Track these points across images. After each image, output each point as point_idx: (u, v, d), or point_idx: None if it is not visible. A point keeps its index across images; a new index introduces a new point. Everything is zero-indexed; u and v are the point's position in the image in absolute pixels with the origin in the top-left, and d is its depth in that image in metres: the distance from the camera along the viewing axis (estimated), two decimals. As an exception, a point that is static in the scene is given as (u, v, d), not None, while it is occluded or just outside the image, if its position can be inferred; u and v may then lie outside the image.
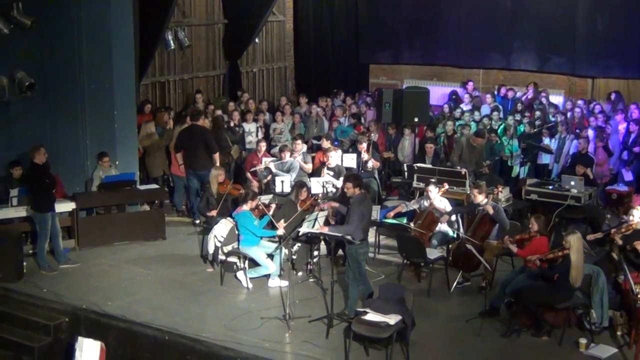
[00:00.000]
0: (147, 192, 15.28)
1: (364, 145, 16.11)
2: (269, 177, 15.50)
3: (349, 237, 11.08)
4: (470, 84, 21.32)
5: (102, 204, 14.75)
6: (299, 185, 13.61)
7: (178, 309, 11.80)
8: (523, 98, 19.92)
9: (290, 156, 15.59)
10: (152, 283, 12.87)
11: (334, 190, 14.66)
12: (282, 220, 12.79)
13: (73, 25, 14.81)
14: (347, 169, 15.48)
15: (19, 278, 12.86)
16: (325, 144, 15.82)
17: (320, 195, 14.29)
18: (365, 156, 15.97)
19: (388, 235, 14.06)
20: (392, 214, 13.69)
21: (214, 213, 13.72)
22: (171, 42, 19.80)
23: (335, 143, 16.71)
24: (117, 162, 15.12)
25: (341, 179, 14.70)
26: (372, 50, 23.79)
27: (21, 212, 13.71)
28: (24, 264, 13.13)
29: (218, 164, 15.24)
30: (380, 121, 18.03)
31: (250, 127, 18.22)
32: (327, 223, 12.48)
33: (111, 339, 11.38)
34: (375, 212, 13.31)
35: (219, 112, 18.39)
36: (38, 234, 13.28)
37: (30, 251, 13.71)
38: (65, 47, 14.89)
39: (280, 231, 12.54)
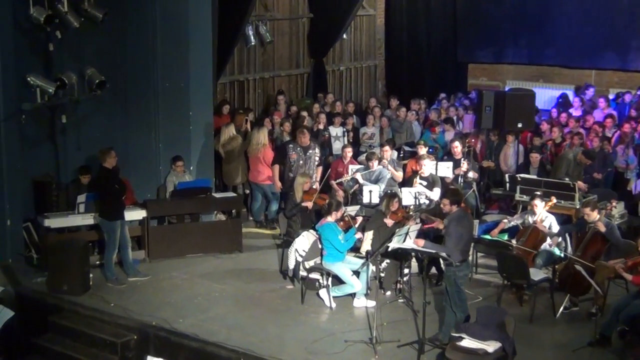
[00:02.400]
0: (224, 201, 15.42)
1: (458, 146, 15.95)
2: (356, 187, 15.46)
3: (444, 254, 10.97)
4: (591, 90, 20.80)
5: (174, 213, 14.93)
6: (390, 195, 13.55)
7: (254, 329, 11.83)
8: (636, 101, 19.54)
9: (379, 164, 15.54)
10: (227, 299, 12.94)
11: (427, 202, 14.57)
12: (369, 233, 12.76)
13: (147, 20, 15.08)
14: (442, 178, 15.36)
15: (85, 291, 13.05)
16: (422, 150, 15.70)
17: (412, 207, 14.22)
18: (464, 164, 15.76)
19: (487, 253, 13.90)
20: (496, 231, 13.53)
21: (309, 204, 13.90)
22: (252, 37, 19.96)
23: (430, 150, 16.60)
24: (191, 168, 15.30)
25: (435, 189, 14.71)
26: (471, 48, 23.62)
27: (88, 219, 13.93)
28: (91, 275, 13.31)
29: (276, 177, 15.53)
30: (480, 127, 17.85)
31: (337, 131, 18.24)
32: (420, 237, 12.40)
33: (182, 359, 11.46)
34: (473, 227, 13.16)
35: (304, 113, 18.48)
36: (106, 244, 13.47)
37: (97, 262, 13.94)
38: (138, 43, 15.16)
39: (362, 239, 12.51)
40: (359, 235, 12.84)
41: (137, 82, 15.24)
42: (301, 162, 15.39)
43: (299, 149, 15.46)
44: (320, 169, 15.53)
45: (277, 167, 15.65)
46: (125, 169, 14.47)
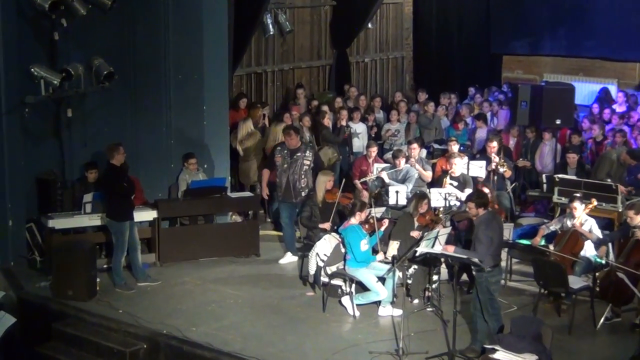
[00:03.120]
0: (240, 201, 15.47)
1: (495, 146, 15.92)
2: (381, 187, 15.47)
3: (476, 260, 10.95)
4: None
5: (187, 214, 14.97)
6: (419, 196, 13.58)
7: (273, 338, 11.86)
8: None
9: (406, 162, 15.54)
10: (243, 307, 12.97)
11: (458, 203, 14.57)
12: (394, 242, 12.79)
13: (159, 7, 15.12)
14: (474, 179, 15.35)
15: (91, 296, 13.09)
16: (453, 147, 15.69)
17: (441, 209, 14.24)
18: (495, 159, 15.72)
19: (522, 259, 13.91)
20: (537, 239, 13.47)
21: (326, 226, 13.84)
22: (270, 26, 20.01)
23: (461, 148, 16.58)
24: (205, 165, 15.33)
25: (467, 190, 14.72)
26: (506, 39, 23.56)
27: (95, 220, 13.99)
28: (97, 280, 13.36)
29: (264, 182, 15.08)
30: (515, 123, 17.82)
31: (358, 127, 18.28)
32: (450, 242, 12.40)
33: (195, 370, 11.51)
34: (508, 232, 13.16)
35: (325, 108, 18.48)
36: (114, 246, 13.52)
37: (105, 266, 13.99)
38: (149, 32, 15.21)
39: (392, 250, 12.53)
40: (380, 257, 12.84)
41: (147, 74, 15.29)
42: (285, 166, 14.60)
43: (285, 151, 14.65)
44: (309, 176, 14.68)
45: (266, 171, 15.07)
46: (134, 166, 14.55)
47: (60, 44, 14.42)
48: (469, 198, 11.50)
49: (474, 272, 11.43)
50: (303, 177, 14.56)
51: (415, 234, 13.08)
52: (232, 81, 18.11)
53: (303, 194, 14.40)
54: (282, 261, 14.59)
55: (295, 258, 14.48)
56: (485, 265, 10.98)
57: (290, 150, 14.59)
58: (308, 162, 14.62)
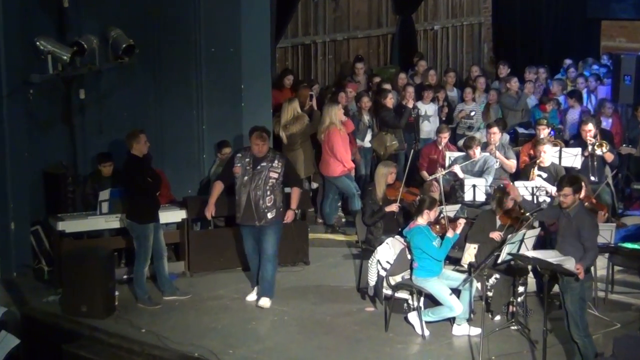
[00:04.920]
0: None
1: (591, 129, 15.76)
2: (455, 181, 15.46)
3: (569, 267, 10.83)
4: None
5: (222, 214, 14.90)
6: (503, 190, 13.50)
7: (325, 363, 11.88)
8: None
9: (485, 151, 15.49)
10: (289, 325, 12.98)
11: (548, 199, 14.51)
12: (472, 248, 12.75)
13: (188, -32, 15.19)
14: (567, 170, 15.23)
15: (109, 313, 13.12)
16: (542, 132, 15.57)
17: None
18: (592, 141, 15.57)
19: (627, 267, 13.84)
20: None
21: (395, 208, 13.83)
22: (321, -11, 20.06)
23: (551, 133, 16.46)
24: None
25: None
26: (605, 1, 23.36)
27: (113, 222, 14.06)
28: (116, 293, 13.40)
29: (213, 198, 13.97)
30: (617, 101, 17.66)
31: (426, 108, 18.25)
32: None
33: (231, 400, 11.58)
34: (609, 233, 13.06)
35: (387, 86, 18.36)
36: (136, 253, 13.53)
37: (125, 276, 14.07)
38: (176, -3, 15.28)
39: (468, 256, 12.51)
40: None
41: (174, 47, 15.39)
42: (246, 178, 13.32)
43: (247, 159, 13.36)
44: (277, 192, 13.48)
45: (218, 184, 13.70)
46: (159, 157, 14.67)
47: (71, 12, 14.52)
48: (561, 182, 11.37)
49: (563, 277, 11.30)
50: (269, 193, 13.40)
51: (496, 235, 12.97)
52: (276, 55, 18.09)
53: (269, 215, 13.41)
54: (249, 298, 13.79)
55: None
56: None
57: (254, 159, 13.42)
58: (275, 175, 13.45)
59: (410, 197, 14.19)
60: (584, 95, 19.21)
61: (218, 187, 13.65)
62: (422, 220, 12.69)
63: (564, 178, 11.66)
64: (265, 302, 13.36)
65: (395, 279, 12.88)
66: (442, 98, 18.63)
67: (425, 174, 15.94)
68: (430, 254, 12.46)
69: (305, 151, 16.74)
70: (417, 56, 21.34)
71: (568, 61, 21.13)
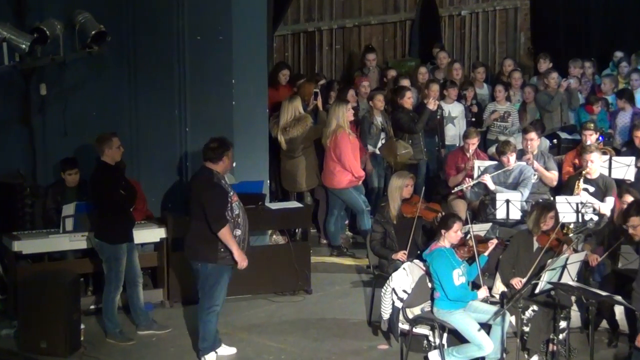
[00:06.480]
0: (284, 214, 15.41)
1: None
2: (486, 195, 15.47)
3: (619, 298, 10.76)
4: None
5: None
6: (542, 206, 13.40)
7: (331, 412, 11.89)
8: None
9: (520, 160, 15.47)
10: (288, 365, 12.97)
11: (596, 217, 14.46)
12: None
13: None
14: (618, 183, 15.15)
15: (73, 350, 13.01)
16: (590, 137, 15.47)
17: (572, 226, 14.17)
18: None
19: None
20: None
21: (402, 256, 13.69)
22: (327, -33, 20.13)
23: (600, 139, 16.41)
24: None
25: (608, 199, 14.76)
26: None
27: (79, 242, 14.02)
28: (82, 327, 13.31)
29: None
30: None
31: (451, 108, 18.26)
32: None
33: None
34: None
35: (405, 82, 18.36)
36: (105, 279, 13.48)
37: (93, 306, 14.06)
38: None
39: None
40: (482, 294, 12.61)
41: (152, 34, 15.41)
42: (237, 211, 12.29)
43: (224, 182, 12.45)
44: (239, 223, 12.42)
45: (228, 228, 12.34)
46: (134, 165, 14.68)
47: (31, -7, 14.52)
48: (629, 211, 11.29)
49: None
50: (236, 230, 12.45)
51: (516, 282, 12.90)
52: (273, 44, 18.05)
53: None
54: (220, 351, 12.90)
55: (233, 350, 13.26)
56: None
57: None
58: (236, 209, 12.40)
59: (431, 214, 14.10)
60: (636, 95, 19.12)
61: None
62: (444, 242, 12.59)
63: (632, 206, 11.56)
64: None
65: (414, 312, 12.82)
66: (470, 97, 18.58)
67: (454, 179, 15.78)
68: (443, 286, 12.35)
69: (308, 159, 16.77)
70: (437, 47, 21.30)
71: (619, 54, 21.23)
